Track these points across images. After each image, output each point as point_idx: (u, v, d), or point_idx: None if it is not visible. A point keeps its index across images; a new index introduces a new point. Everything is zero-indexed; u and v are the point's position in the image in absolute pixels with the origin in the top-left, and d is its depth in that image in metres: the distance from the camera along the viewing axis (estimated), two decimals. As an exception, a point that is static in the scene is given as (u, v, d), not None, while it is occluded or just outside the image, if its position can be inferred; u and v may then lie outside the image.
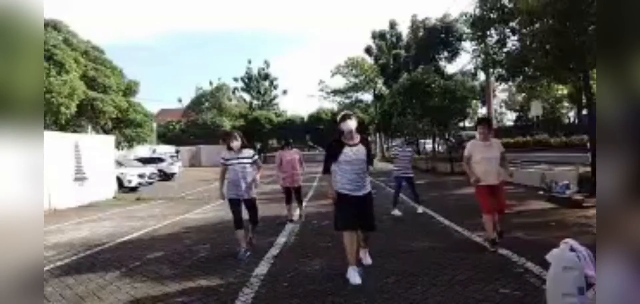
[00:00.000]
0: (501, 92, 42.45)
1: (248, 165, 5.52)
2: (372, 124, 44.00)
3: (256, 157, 5.71)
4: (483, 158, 5.25)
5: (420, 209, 8.50)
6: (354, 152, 4.32)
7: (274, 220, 8.17)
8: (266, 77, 59.48)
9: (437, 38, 24.09)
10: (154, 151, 30.95)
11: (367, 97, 46.37)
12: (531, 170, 12.66)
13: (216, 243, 6.51)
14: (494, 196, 5.23)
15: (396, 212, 8.33)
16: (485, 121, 5.65)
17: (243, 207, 5.58)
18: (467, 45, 19.53)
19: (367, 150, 4.40)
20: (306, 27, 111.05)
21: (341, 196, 4.37)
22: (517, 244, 5.27)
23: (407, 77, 22.73)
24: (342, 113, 4.49)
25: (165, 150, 33.97)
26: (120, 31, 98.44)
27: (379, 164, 30.65)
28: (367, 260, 4.81)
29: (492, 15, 9.91)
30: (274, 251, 5.69)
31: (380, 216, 8.40)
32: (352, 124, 4.30)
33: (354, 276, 4.20)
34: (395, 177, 8.79)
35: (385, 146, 43.12)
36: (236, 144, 5.48)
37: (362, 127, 41.56)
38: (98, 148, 14.92)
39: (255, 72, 59.05)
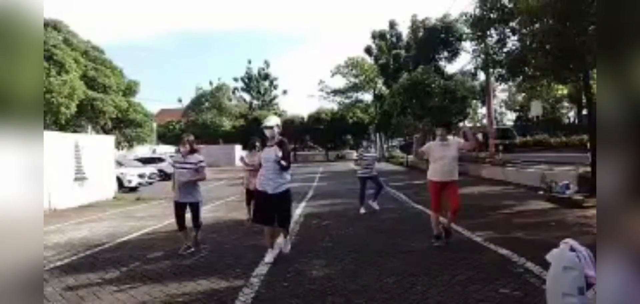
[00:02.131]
0: (501, 92, 42.44)
1: (187, 171, 5.74)
2: (372, 124, 44.00)
3: (200, 163, 5.82)
4: (440, 157, 5.66)
5: (375, 206, 8.90)
6: (269, 151, 5.10)
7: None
8: (266, 77, 59.49)
9: (437, 38, 23.99)
10: (154, 151, 30.93)
11: (367, 97, 46.37)
12: (531, 170, 12.66)
13: (216, 242, 6.51)
14: (447, 195, 5.63)
15: (362, 210, 8.73)
16: (443, 125, 6.02)
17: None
18: (467, 45, 19.45)
19: (282, 151, 5.04)
20: (306, 27, 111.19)
21: (257, 192, 5.23)
22: (517, 244, 5.28)
23: (407, 77, 22.69)
24: (265, 122, 5.28)
25: (165, 150, 33.97)
26: (120, 31, 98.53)
27: (378, 165, 30.64)
28: (286, 248, 5.46)
29: (492, 15, 9.90)
30: (274, 251, 5.68)
31: (380, 215, 8.41)
32: (269, 132, 5.14)
33: (268, 256, 5.13)
34: (359, 177, 9.16)
35: (385, 146, 43.13)
36: (183, 149, 5.88)
37: (362, 127, 41.09)
38: (98, 148, 14.90)
39: (255, 72, 59.08)
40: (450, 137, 5.89)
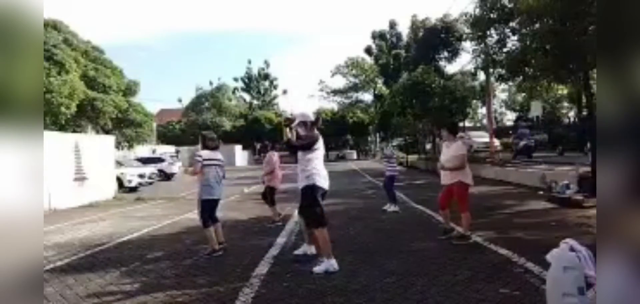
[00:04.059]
0: (501, 92, 42.44)
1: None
2: (372, 124, 44.00)
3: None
4: (443, 159, 5.84)
5: (390, 208, 8.78)
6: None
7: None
8: (266, 77, 59.54)
9: (437, 38, 23.99)
10: (154, 151, 30.94)
11: (367, 97, 46.43)
12: (531, 170, 12.66)
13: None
14: (451, 196, 5.77)
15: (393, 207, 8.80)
16: (444, 126, 6.10)
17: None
18: (467, 45, 19.46)
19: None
20: (306, 27, 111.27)
21: None
22: (517, 244, 5.28)
23: (407, 77, 22.73)
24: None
25: (165, 150, 33.97)
26: (120, 31, 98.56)
27: (377, 164, 30.67)
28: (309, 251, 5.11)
29: (492, 15, 9.92)
30: (274, 251, 5.69)
31: (380, 215, 8.41)
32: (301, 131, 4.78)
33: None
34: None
35: (381, 146, 43.22)
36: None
37: (362, 127, 40.55)
38: (98, 148, 14.91)
39: (255, 72, 59.13)
40: (453, 140, 5.86)
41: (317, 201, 4.63)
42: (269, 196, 7.97)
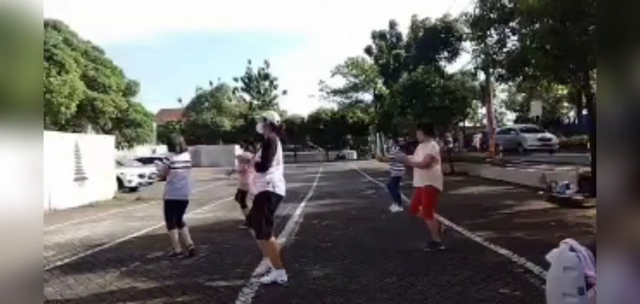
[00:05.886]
0: (501, 92, 42.50)
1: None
2: (372, 124, 43.96)
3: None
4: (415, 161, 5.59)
5: (395, 208, 8.84)
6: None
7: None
8: (266, 77, 59.48)
9: (437, 38, 24.00)
10: (154, 151, 30.94)
11: (367, 97, 46.38)
12: (531, 170, 12.66)
13: (216, 242, 6.50)
14: (420, 200, 5.42)
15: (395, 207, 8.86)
16: (418, 126, 5.82)
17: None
18: (467, 45, 19.50)
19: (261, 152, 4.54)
20: (306, 27, 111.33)
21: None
22: (517, 244, 5.28)
23: (407, 77, 22.72)
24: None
25: (165, 150, 33.95)
26: (120, 31, 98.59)
27: (377, 164, 30.67)
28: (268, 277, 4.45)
29: (492, 15, 9.92)
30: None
31: (380, 215, 8.41)
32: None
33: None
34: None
35: (385, 146, 43.16)
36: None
37: (362, 127, 40.42)
38: (98, 148, 14.91)
39: (255, 72, 59.05)
40: (428, 141, 5.53)
41: (265, 211, 4.35)
42: (240, 198, 7.70)
